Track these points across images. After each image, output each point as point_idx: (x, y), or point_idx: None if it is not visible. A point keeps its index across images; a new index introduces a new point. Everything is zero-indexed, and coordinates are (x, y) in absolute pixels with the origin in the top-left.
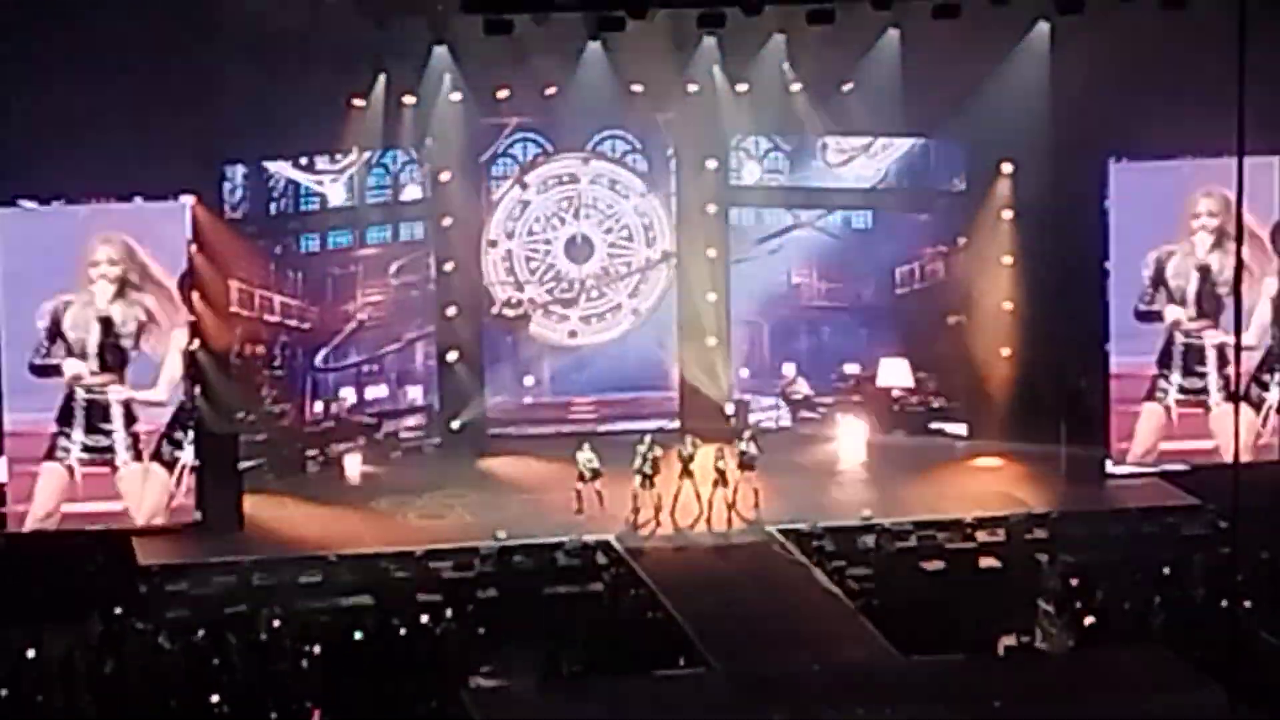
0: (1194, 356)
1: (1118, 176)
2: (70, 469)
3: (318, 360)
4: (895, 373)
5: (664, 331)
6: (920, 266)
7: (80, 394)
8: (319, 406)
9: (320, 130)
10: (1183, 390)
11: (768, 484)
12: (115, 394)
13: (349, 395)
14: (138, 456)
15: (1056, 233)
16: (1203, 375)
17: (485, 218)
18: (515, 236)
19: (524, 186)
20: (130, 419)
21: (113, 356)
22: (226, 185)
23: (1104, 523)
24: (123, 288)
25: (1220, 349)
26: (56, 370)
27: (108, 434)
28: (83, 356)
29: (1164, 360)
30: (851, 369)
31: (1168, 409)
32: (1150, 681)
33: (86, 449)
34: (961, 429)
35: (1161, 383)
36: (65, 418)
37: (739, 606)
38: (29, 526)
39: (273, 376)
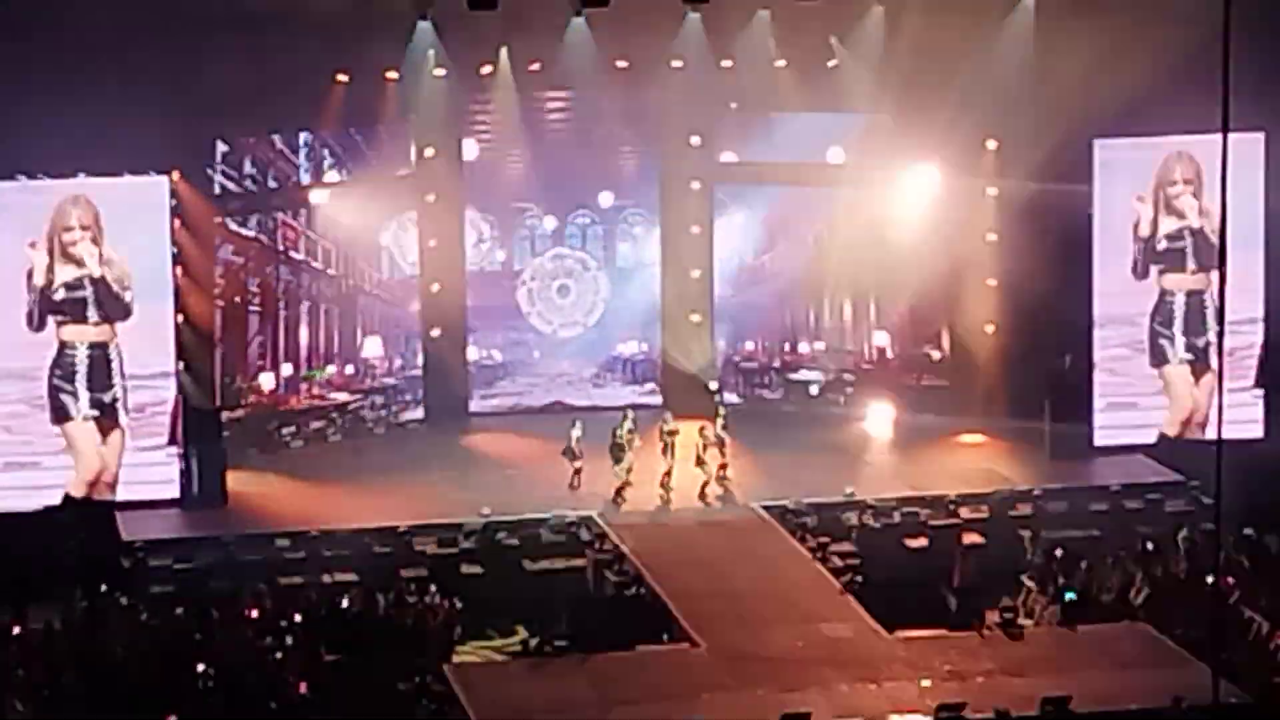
0: (1196, 316)
1: (1102, 153)
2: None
3: (302, 336)
4: (879, 349)
5: (649, 311)
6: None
7: (83, 351)
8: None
9: (304, 106)
10: (1189, 349)
11: (752, 460)
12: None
13: (333, 371)
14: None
15: (1041, 209)
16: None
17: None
18: (535, 280)
19: (537, 255)
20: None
21: (113, 308)
22: (209, 161)
23: (1087, 499)
24: (102, 252)
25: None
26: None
27: (110, 388)
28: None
29: (1167, 323)
30: (840, 346)
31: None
32: (1133, 658)
33: (94, 404)
34: (947, 404)
35: (1167, 345)
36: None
37: (722, 583)
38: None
39: (257, 352)
